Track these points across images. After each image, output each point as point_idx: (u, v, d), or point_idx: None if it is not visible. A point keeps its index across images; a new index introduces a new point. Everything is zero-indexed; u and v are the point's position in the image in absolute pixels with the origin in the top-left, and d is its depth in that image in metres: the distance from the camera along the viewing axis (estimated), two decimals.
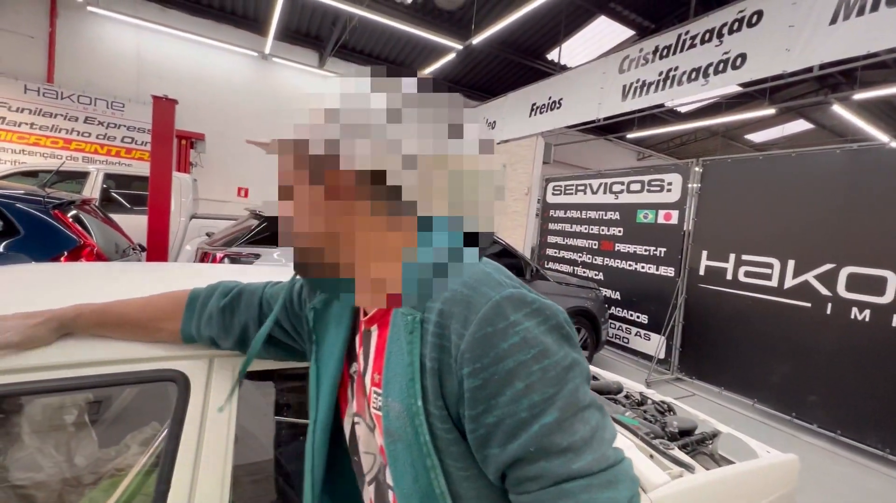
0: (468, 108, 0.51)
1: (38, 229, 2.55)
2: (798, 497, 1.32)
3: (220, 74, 8.32)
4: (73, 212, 2.89)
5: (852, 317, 3.17)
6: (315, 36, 8.84)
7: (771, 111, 8.32)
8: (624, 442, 1.18)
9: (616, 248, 5.20)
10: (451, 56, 7.87)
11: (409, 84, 0.49)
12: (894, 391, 2.97)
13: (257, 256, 3.06)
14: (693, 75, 4.54)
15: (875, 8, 3.22)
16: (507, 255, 4.16)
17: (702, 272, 4.25)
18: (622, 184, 5.19)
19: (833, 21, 3.45)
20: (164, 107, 3.87)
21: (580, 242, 5.76)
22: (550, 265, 6.29)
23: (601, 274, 5.42)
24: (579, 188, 5.81)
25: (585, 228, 5.67)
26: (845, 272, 3.23)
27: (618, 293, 5.19)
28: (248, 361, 0.68)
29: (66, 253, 2.56)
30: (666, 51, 4.87)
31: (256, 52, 8.46)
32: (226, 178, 8.53)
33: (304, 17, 8.29)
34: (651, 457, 1.15)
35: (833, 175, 3.36)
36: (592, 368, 1.77)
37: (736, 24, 4.17)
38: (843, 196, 3.29)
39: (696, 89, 4.55)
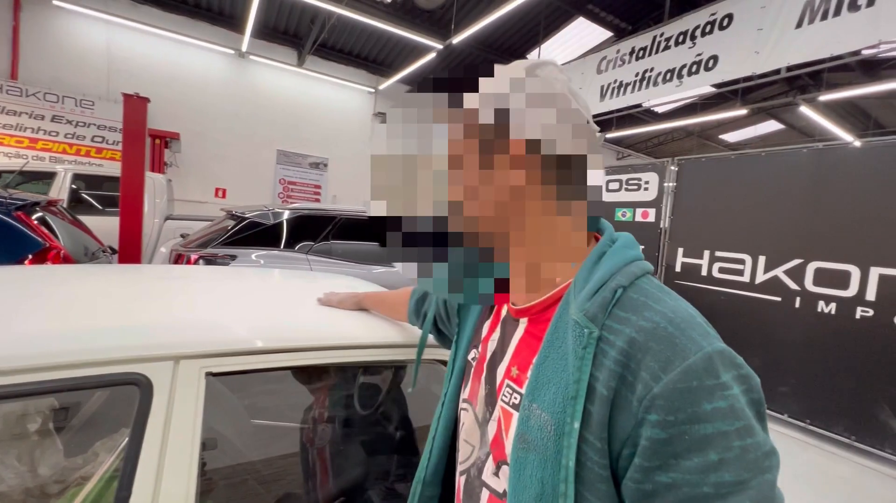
0: None
1: (0, 232, 2.45)
2: None
3: (195, 72, 8.13)
4: (39, 213, 2.78)
5: (819, 310, 3.29)
6: (294, 34, 8.72)
7: (743, 112, 8.57)
8: None
9: None
10: (432, 56, 7.86)
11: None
12: (859, 381, 3.09)
13: (233, 257, 3.00)
14: (668, 76, 4.65)
15: (838, 13, 3.35)
16: None
17: (678, 268, 4.35)
18: None
19: (799, 25, 3.58)
20: (135, 105, 3.76)
21: None
22: None
23: None
24: None
25: None
26: (812, 267, 3.34)
27: None
28: (420, 350, 0.79)
29: (30, 256, 2.47)
30: (642, 52, 4.97)
31: (233, 49, 8.29)
32: (203, 179, 8.34)
33: (283, 15, 8.17)
34: None
35: (800, 173, 3.48)
36: None
37: (708, 27, 4.28)
38: (809, 193, 3.41)
39: (671, 90, 4.66)
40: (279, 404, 1.79)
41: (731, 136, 13.12)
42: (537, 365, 0.48)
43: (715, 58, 4.18)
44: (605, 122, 9.86)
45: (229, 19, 8.10)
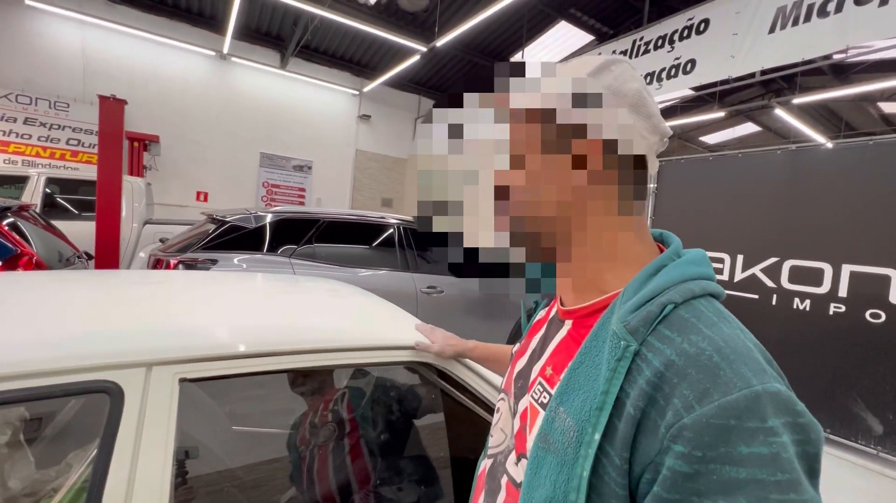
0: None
1: None
2: None
3: (175, 74, 7.98)
4: (10, 219, 2.70)
5: (795, 306, 3.38)
6: (276, 36, 8.63)
7: (721, 114, 8.77)
8: None
9: None
10: (416, 58, 7.86)
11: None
12: (832, 376, 3.19)
13: (214, 262, 2.95)
14: (648, 79, 4.74)
15: (808, 19, 3.47)
16: None
17: None
18: None
19: (772, 30, 3.69)
20: (111, 107, 3.68)
21: None
22: None
23: None
24: None
25: None
26: (788, 265, 3.44)
27: None
28: None
29: (0, 262, 2.39)
30: (623, 55, 5.06)
31: (214, 51, 8.17)
32: (183, 182, 8.19)
33: (265, 17, 8.08)
34: None
35: (775, 174, 3.58)
36: None
37: (686, 31, 4.38)
38: (783, 193, 3.51)
39: (650, 92, 4.76)
40: (260, 410, 1.76)
41: (710, 138, 13.42)
42: (571, 369, 0.47)
43: (693, 61, 4.28)
44: None
45: (210, 20, 7.98)
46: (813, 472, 0.38)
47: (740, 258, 3.76)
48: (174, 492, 0.71)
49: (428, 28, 7.63)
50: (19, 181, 4.71)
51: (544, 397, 0.50)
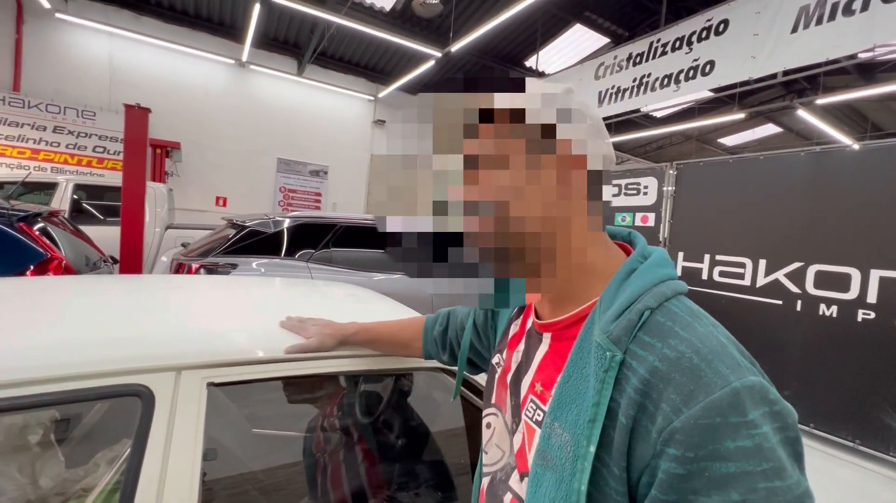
0: None
1: (2, 243, 2.46)
2: None
3: (196, 82, 8.19)
4: (41, 224, 2.80)
5: (820, 313, 3.28)
6: (293, 43, 8.79)
7: (741, 116, 8.60)
8: None
9: None
10: (431, 63, 7.92)
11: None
12: (861, 383, 3.08)
13: (234, 266, 3.01)
14: (665, 81, 4.68)
15: (832, 17, 3.38)
16: None
17: (679, 273, 4.35)
18: None
19: (794, 30, 3.61)
20: (136, 115, 3.79)
21: None
22: None
23: None
24: None
25: None
26: (813, 270, 3.34)
27: None
28: (458, 383, 0.77)
29: (32, 267, 2.48)
30: (639, 58, 5.01)
31: (233, 59, 8.36)
32: (203, 188, 8.38)
33: (282, 25, 8.24)
34: None
35: (798, 176, 3.49)
36: None
37: (704, 33, 4.32)
38: (808, 196, 3.42)
39: (668, 95, 4.69)
40: (279, 413, 1.78)
41: (729, 140, 13.16)
42: (561, 384, 0.47)
43: (712, 63, 4.21)
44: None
45: (230, 29, 8.17)
46: (797, 456, 0.40)
47: (762, 263, 3.67)
48: (202, 492, 0.72)
49: (443, 33, 7.68)
50: (49, 187, 4.88)
51: (538, 415, 0.50)
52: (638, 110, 5.35)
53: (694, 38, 4.40)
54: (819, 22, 3.46)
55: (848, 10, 3.31)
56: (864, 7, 3.31)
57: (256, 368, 0.82)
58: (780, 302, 3.53)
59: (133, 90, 7.37)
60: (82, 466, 1.23)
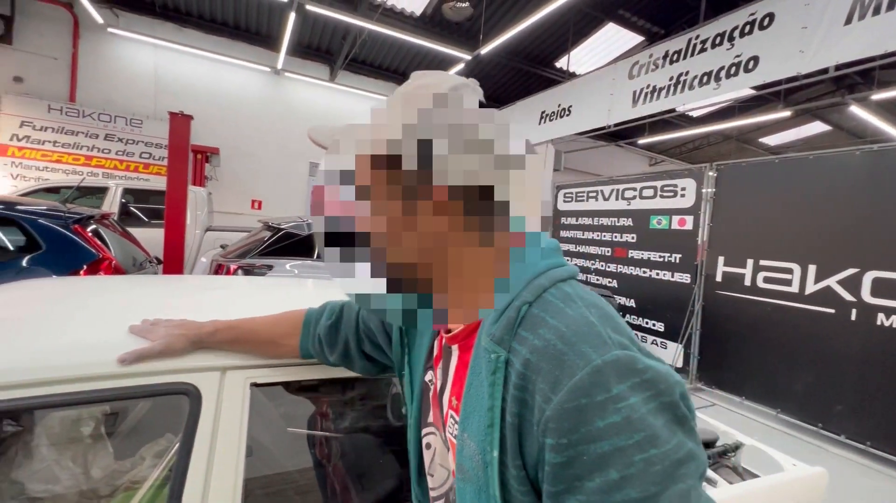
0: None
1: (59, 244, 2.62)
2: None
3: (234, 90, 8.52)
4: (93, 226, 2.96)
5: (879, 322, 3.06)
6: (326, 50, 9.01)
7: (786, 114, 8.19)
8: None
9: (629, 255, 5.13)
10: (460, 66, 7.93)
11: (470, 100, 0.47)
12: None
13: (270, 267, 3.09)
14: (704, 79, 4.50)
15: (891, 7, 3.16)
16: None
17: (719, 278, 4.16)
18: (634, 190, 5.13)
19: (848, 21, 3.40)
20: (179, 122, 3.96)
21: (592, 249, 5.70)
22: None
23: (615, 281, 5.35)
24: (591, 195, 5.76)
25: (598, 235, 5.61)
26: (870, 276, 3.12)
27: (632, 301, 5.11)
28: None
29: (85, 266, 2.62)
30: (676, 55, 4.84)
31: (269, 67, 8.65)
32: (240, 191, 8.68)
33: (316, 33, 8.46)
34: None
35: (853, 177, 3.28)
36: None
37: (747, 27, 4.13)
38: (864, 198, 3.20)
39: (707, 93, 4.51)
40: (312, 412, 1.81)
41: (771, 139, 12.55)
42: (465, 394, 0.47)
43: (755, 59, 4.02)
44: (637, 128, 9.64)
45: (266, 39, 8.46)
46: (678, 419, 0.38)
47: (812, 269, 3.46)
48: (245, 487, 0.73)
49: (472, 36, 7.68)
50: (100, 192, 5.18)
51: (455, 429, 0.50)
52: (673, 110, 5.16)
53: (736, 34, 4.22)
54: (877, 12, 3.24)
55: None
56: None
57: (298, 370, 0.83)
58: (832, 310, 3.32)
59: (176, 98, 7.74)
60: (129, 459, 1.28)
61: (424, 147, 0.42)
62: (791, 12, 3.78)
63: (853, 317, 3.19)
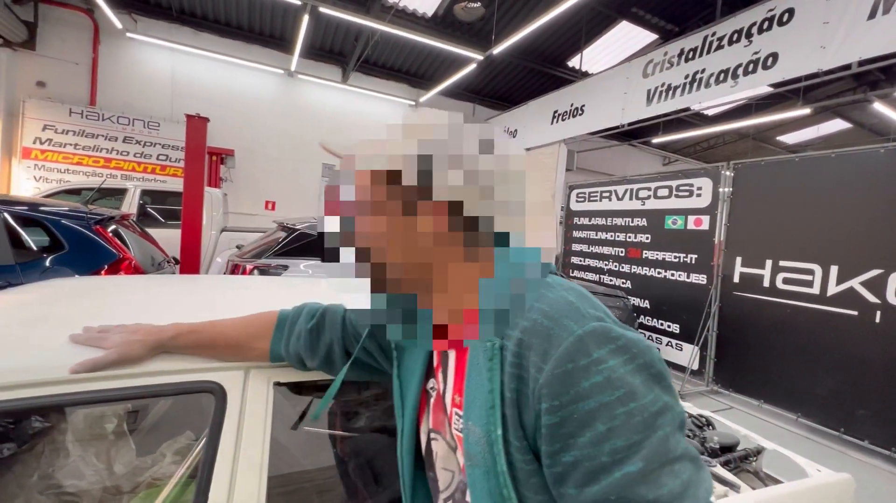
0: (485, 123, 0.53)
1: (82, 244, 2.67)
2: None
3: (248, 92, 8.63)
4: (113, 227, 3.02)
5: None
6: (338, 52, 9.08)
7: (805, 111, 8.01)
8: None
9: (644, 256, 5.07)
10: (472, 66, 7.92)
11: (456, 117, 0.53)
12: None
13: (285, 268, 3.12)
14: (721, 77, 4.43)
15: None
16: None
17: (736, 279, 4.09)
18: (649, 189, 5.07)
19: (871, 16, 3.31)
20: (196, 125, 4.03)
21: (606, 250, 5.64)
22: (576, 273, 6.17)
23: (628, 282, 5.28)
24: (604, 195, 5.70)
25: (611, 235, 5.55)
26: (895, 278, 3.04)
27: (647, 302, 5.04)
28: (336, 385, 0.70)
29: (106, 266, 2.68)
30: (692, 53, 4.78)
31: (283, 69, 8.74)
32: (254, 192, 8.79)
33: (328, 35, 8.53)
34: None
35: (877, 175, 3.19)
36: None
37: (766, 24, 4.05)
38: (888, 197, 3.11)
39: (724, 91, 4.43)
40: (330, 411, 1.82)
41: (789, 138, 12.28)
42: (466, 385, 0.52)
43: (774, 55, 3.94)
44: (651, 127, 9.52)
45: (280, 41, 8.56)
46: (655, 377, 0.44)
47: (834, 270, 3.38)
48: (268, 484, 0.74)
49: (484, 36, 7.67)
50: (119, 193, 5.29)
51: (461, 423, 0.53)
52: (688, 108, 5.08)
53: (754, 30, 4.14)
54: None
55: None
56: None
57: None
58: (854, 312, 3.23)
59: (192, 101, 7.87)
60: (150, 455, 1.30)
61: (424, 177, 0.49)
62: (811, 7, 3.70)
63: (877, 320, 3.11)
